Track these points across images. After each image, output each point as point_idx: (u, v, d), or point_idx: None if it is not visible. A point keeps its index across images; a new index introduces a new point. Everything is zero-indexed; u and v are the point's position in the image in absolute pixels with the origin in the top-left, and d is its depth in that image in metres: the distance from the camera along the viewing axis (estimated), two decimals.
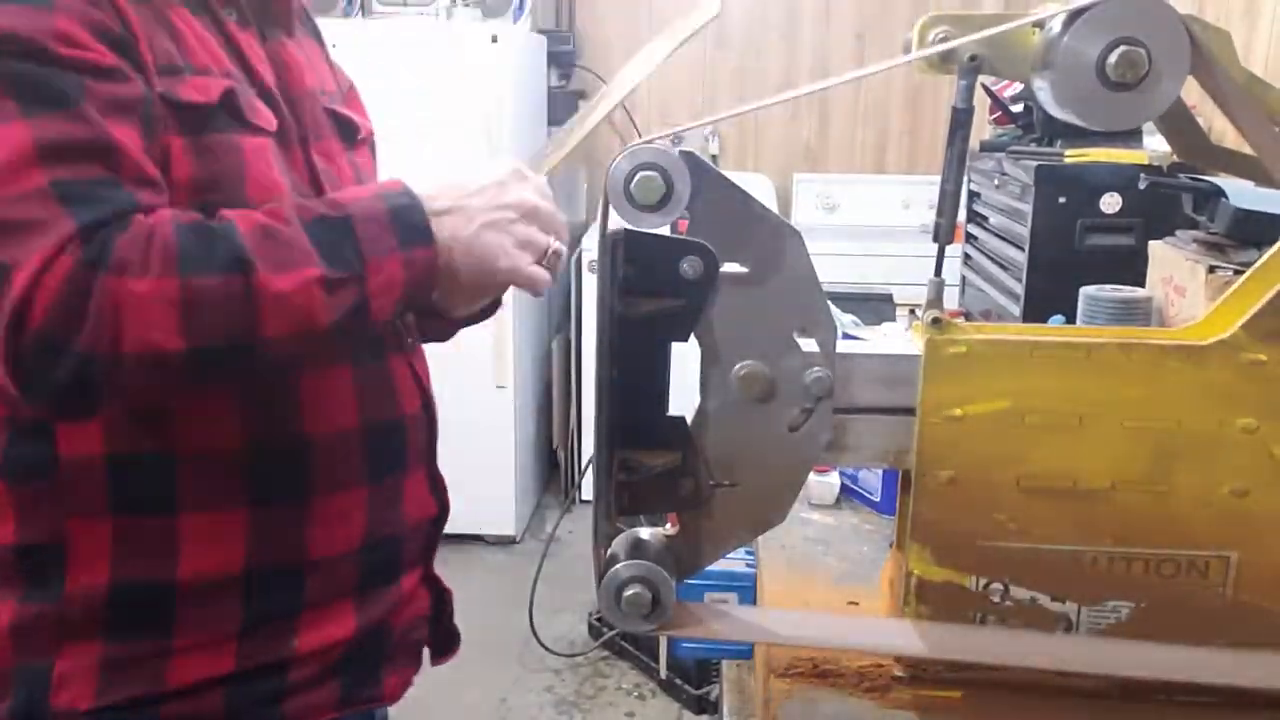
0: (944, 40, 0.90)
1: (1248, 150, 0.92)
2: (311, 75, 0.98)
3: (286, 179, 0.89)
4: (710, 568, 0.87)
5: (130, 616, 0.86)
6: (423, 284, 0.83)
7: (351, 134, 1.03)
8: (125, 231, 0.74)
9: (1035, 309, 1.77)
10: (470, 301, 0.91)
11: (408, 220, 0.82)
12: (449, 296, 0.87)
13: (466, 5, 3.29)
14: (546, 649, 2.80)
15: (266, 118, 0.89)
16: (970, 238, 2.30)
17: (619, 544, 0.86)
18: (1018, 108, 2.21)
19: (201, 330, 0.74)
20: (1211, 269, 1.21)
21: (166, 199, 0.79)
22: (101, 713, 0.85)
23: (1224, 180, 1.31)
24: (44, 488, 0.84)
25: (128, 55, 0.80)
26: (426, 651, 1.08)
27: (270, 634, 0.90)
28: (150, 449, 0.85)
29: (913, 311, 1.60)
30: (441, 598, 1.08)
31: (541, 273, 0.87)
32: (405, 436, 0.98)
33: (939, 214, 0.91)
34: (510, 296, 3.61)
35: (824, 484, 1.37)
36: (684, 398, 0.84)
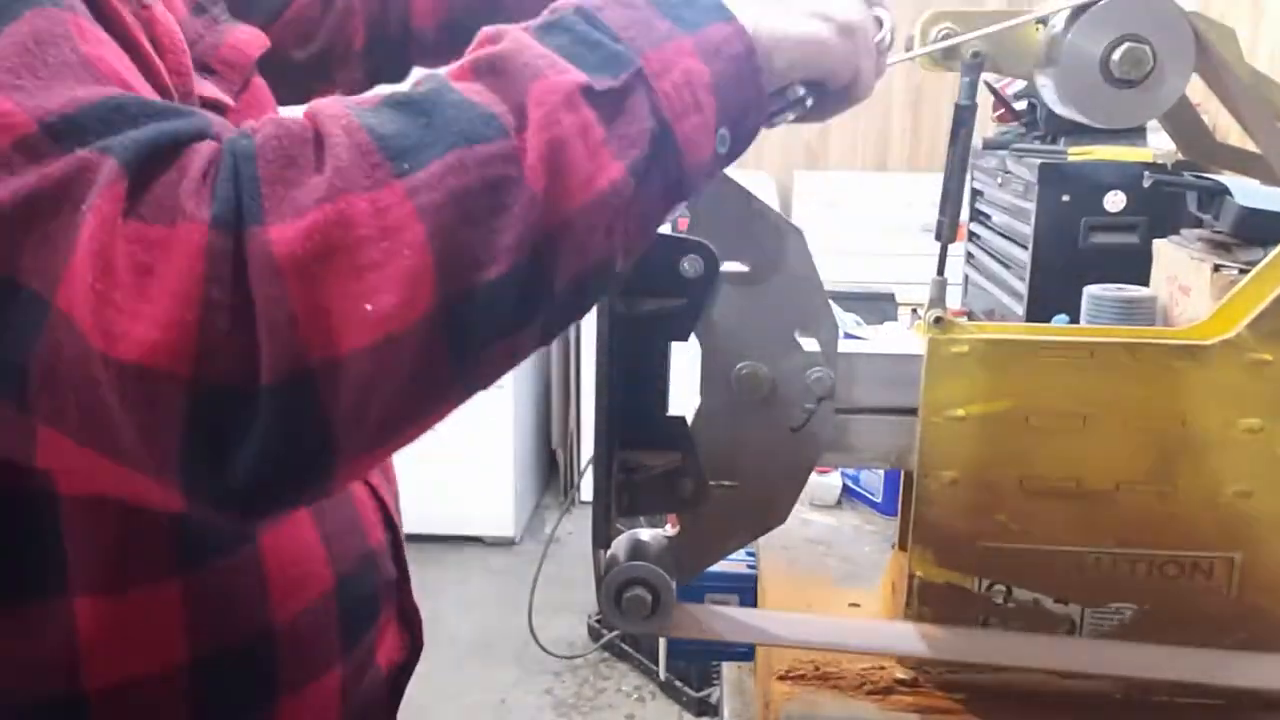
0: (947, 37, 0.90)
1: (1253, 148, 0.91)
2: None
3: None
4: (711, 569, 0.87)
5: None
6: (743, 78, 0.54)
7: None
8: (254, 143, 0.46)
9: (1039, 308, 1.76)
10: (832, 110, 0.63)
11: None
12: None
13: None
14: (546, 651, 2.80)
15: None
16: (973, 236, 2.29)
17: (619, 545, 0.85)
18: (1021, 105, 2.20)
19: (468, 255, 0.45)
20: (1216, 268, 1.20)
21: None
22: None
23: (1229, 178, 1.30)
24: None
25: None
26: None
27: None
28: (54, 688, 0.62)
29: (915, 311, 1.60)
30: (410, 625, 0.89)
31: (848, 51, 0.61)
32: (375, 582, 0.77)
33: (941, 212, 0.90)
34: None
35: (825, 485, 1.37)
36: (684, 398, 0.84)
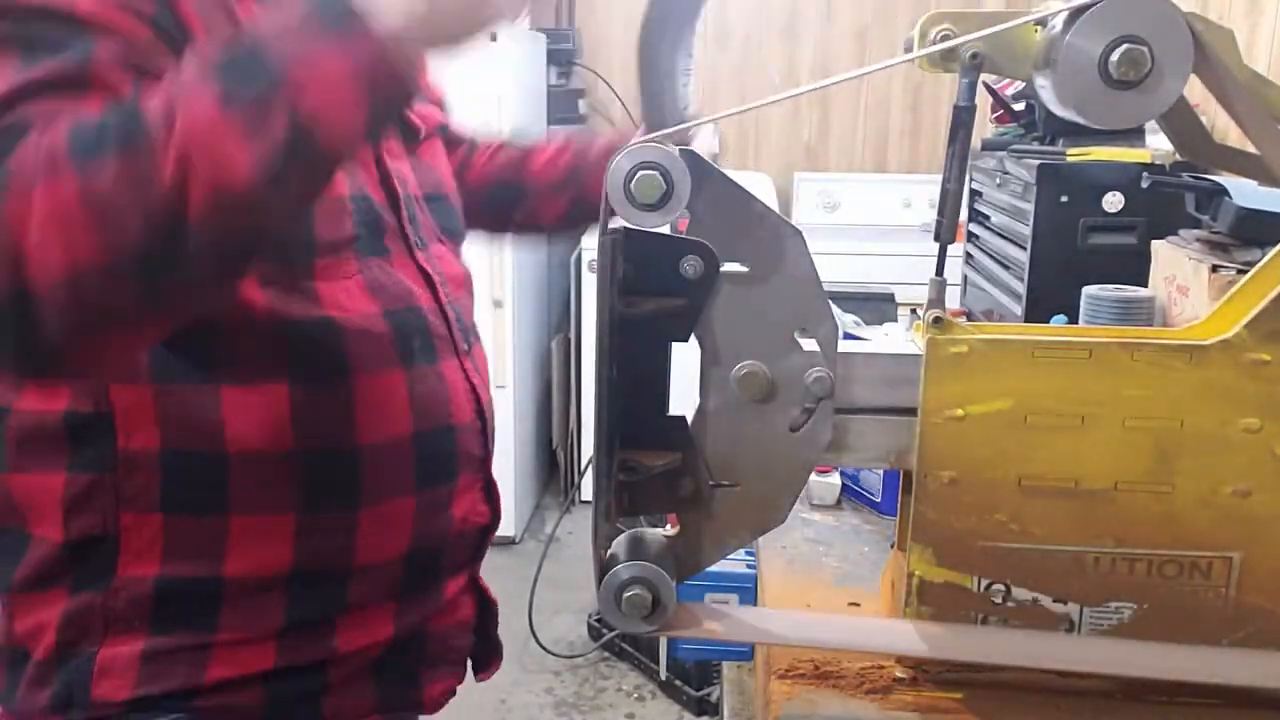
0: (945, 38, 0.90)
1: (1251, 149, 0.92)
2: None
3: (350, 179, 0.86)
4: (710, 568, 0.87)
5: (175, 611, 0.85)
6: (385, 73, 0.65)
7: (413, 134, 1.01)
8: (24, 142, 0.63)
9: (1037, 308, 1.76)
10: (442, 40, 0.69)
11: (331, 8, 0.65)
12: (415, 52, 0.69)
13: None
14: (546, 650, 2.80)
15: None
16: (972, 237, 2.30)
17: (619, 544, 0.85)
18: (1019, 106, 2.20)
19: (114, 227, 0.62)
20: (1214, 268, 1.20)
21: None
22: (139, 702, 0.84)
23: (1227, 179, 1.31)
24: (100, 482, 0.83)
25: (162, 35, 0.72)
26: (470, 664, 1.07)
27: (311, 634, 0.89)
28: (204, 448, 0.83)
29: (914, 311, 1.60)
30: (486, 607, 1.07)
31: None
32: (456, 445, 0.95)
33: (940, 213, 0.90)
34: (510, 296, 3.59)
35: (825, 484, 1.37)
36: (684, 398, 0.84)
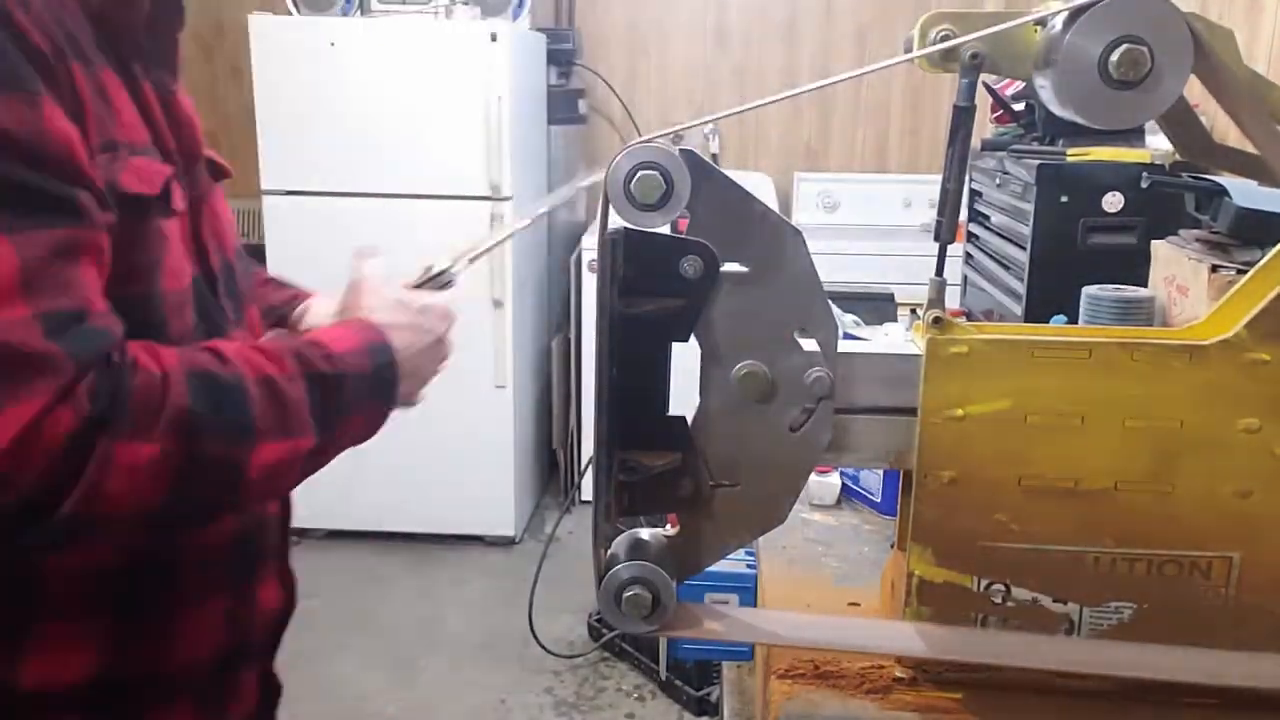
0: (945, 38, 0.90)
1: (1250, 149, 0.92)
2: (195, 123, 0.88)
3: (185, 252, 0.83)
4: (710, 568, 0.87)
5: None
6: (370, 435, 0.89)
7: (220, 175, 0.94)
8: (135, 382, 0.69)
9: (1037, 308, 1.76)
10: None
11: (384, 379, 0.88)
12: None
13: (466, 3, 3.29)
14: (546, 650, 2.80)
15: (179, 196, 0.81)
16: (972, 237, 2.30)
17: (619, 544, 0.85)
18: (1019, 106, 2.20)
19: (189, 495, 0.73)
20: (1214, 268, 1.20)
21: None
22: None
23: (1227, 179, 1.31)
24: None
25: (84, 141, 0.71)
26: None
27: None
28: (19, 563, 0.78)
29: (914, 311, 1.60)
30: (273, 692, 1.03)
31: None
32: (263, 538, 0.96)
33: (940, 213, 0.90)
34: (510, 296, 3.59)
35: (825, 484, 1.37)
36: (684, 398, 0.84)
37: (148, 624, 0.84)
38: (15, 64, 0.68)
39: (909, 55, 0.89)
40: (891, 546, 1.05)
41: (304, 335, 0.88)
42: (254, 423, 0.75)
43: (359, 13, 3.43)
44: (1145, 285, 1.39)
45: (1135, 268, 1.43)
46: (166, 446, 0.69)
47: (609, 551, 0.85)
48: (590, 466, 0.85)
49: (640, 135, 0.94)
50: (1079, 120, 0.83)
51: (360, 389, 0.85)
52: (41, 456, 0.64)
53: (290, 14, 3.39)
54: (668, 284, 0.80)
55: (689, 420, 0.83)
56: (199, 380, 0.73)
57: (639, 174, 0.76)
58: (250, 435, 0.75)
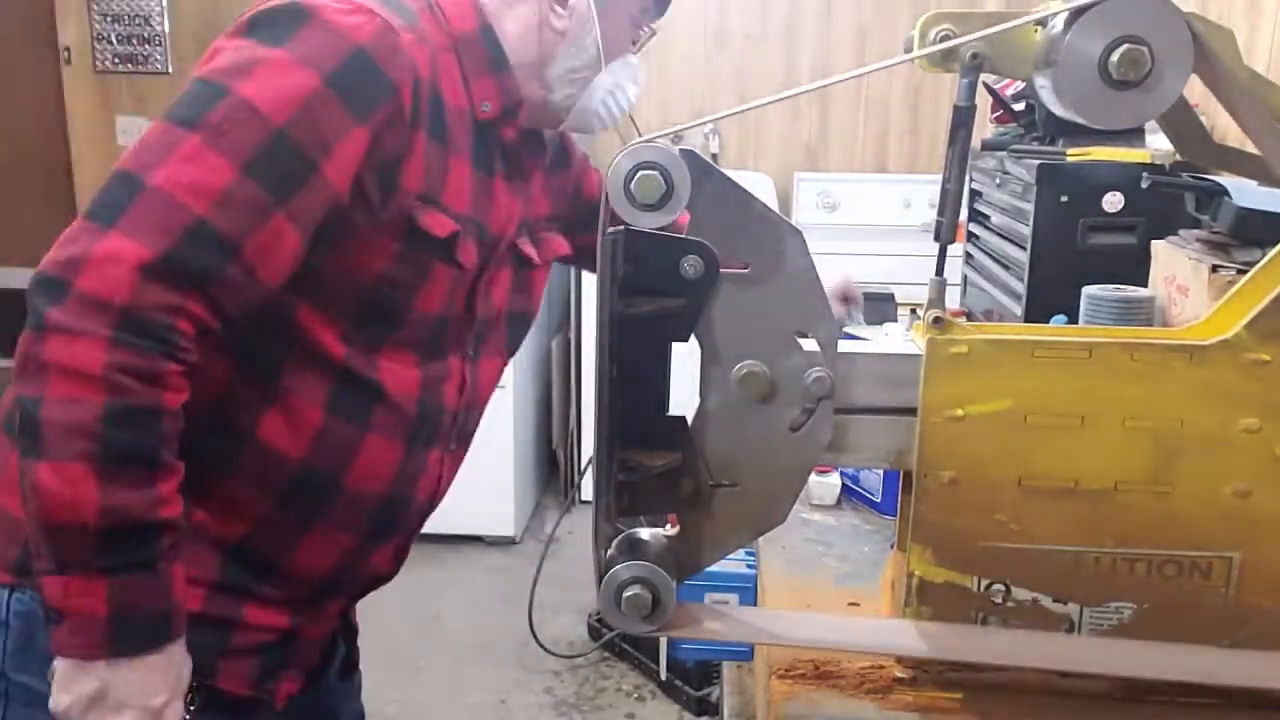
0: (945, 38, 0.90)
1: (1251, 149, 0.92)
2: (518, 218, 1.12)
3: (447, 297, 1.02)
4: (710, 568, 0.87)
5: None
6: (85, 634, 0.85)
7: (527, 265, 1.16)
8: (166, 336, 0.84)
9: (1037, 308, 1.76)
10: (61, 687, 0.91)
11: (152, 623, 0.87)
12: None
13: None
14: (546, 650, 2.80)
15: (471, 257, 1.02)
16: (972, 237, 2.30)
17: (619, 544, 0.86)
18: (1020, 106, 2.20)
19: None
20: (1214, 268, 1.20)
21: (197, 349, 0.87)
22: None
23: (1227, 179, 1.31)
24: None
25: (385, 179, 0.94)
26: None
27: (232, 598, 1.01)
28: (229, 430, 0.98)
29: (914, 311, 1.60)
30: (348, 631, 1.23)
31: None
32: (406, 514, 1.09)
33: (940, 213, 0.90)
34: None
35: (825, 484, 1.37)
36: (684, 398, 0.84)
37: (293, 522, 1.01)
38: (372, 96, 0.91)
39: (909, 55, 0.89)
40: (891, 546, 1.05)
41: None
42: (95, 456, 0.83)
43: None
44: (1145, 285, 1.39)
45: (1135, 268, 1.43)
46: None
47: (609, 551, 0.85)
48: (590, 466, 0.85)
49: (640, 135, 0.95)
50: (1079, 120, 0.83)
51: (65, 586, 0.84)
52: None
53: None
54: (668, 284, 0.80)
55: (689, 420, 0.83)
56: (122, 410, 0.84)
57: (639, 174, 0.77)
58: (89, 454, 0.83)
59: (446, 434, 1.10)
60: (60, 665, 0.86)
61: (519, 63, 1.06)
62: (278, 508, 1.00)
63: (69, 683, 0.85)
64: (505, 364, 1.20)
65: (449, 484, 1.15)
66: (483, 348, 1.12)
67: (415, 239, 0.97)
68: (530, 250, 1.16)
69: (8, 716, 0.96)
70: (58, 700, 0.86)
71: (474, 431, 1.18)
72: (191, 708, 0.96)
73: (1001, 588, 0.86)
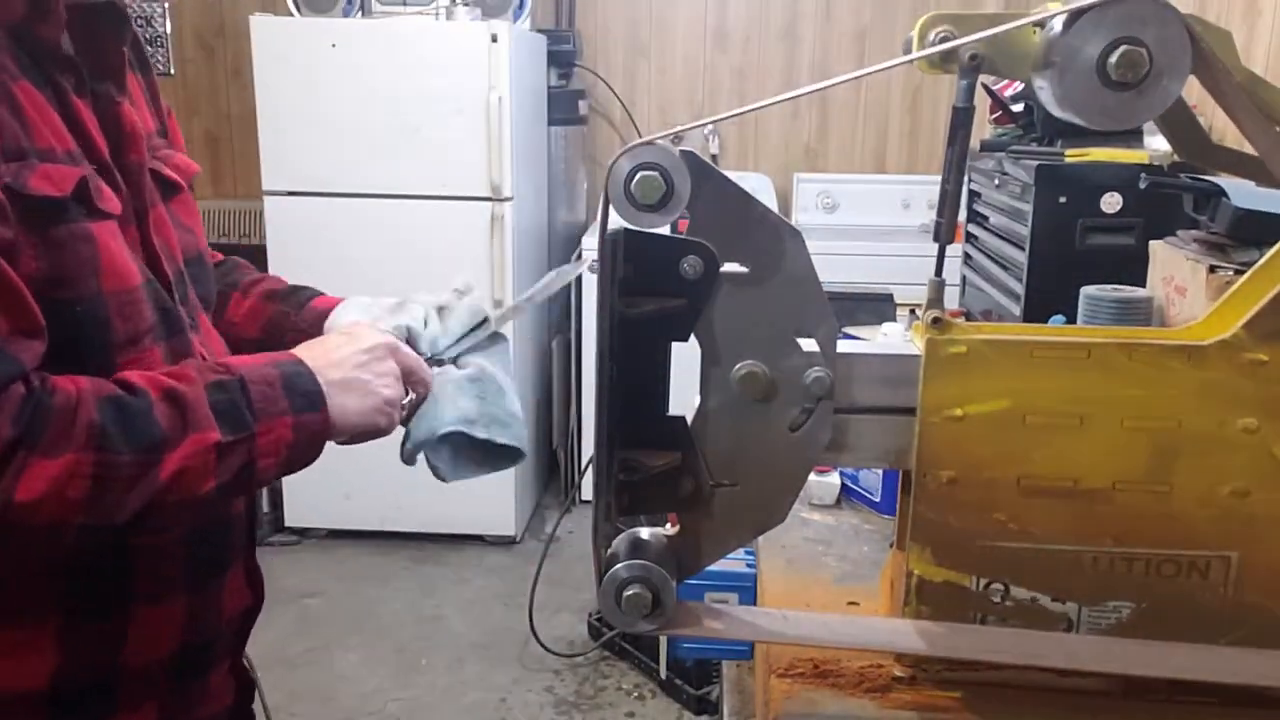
0: (944, 40, 0.90)
1: (1249, 150, 0.92)
2: (138, 134, 0.91)
3: (133, 259, 0.85)
4: (710, 568, 0.87)
5: None
6: (310, 447, 0.88)
7: (171, 190, 0.96)
8: (54, 401, 0.75)
9: (1036, 309, 1.77)
10: (369, 432, 0.94)
11: (300, 386, 0.87)
12: (348, 436, 0.93)
13: (466, 4, 3.29)
14: (546, 649, 2.80)
15: (112, 201, 0.84)
16: (970, 237, 2.30)
17: (619, 544, 0.86)
18: (1018, 107, 2.21)
19: (105, 502, 0.76)
20: (1212, 269, 1.21)
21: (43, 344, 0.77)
22: None
23: (1225, 180, 1.31)
24: None
25: None
26: None
27: None
28: None
29: (913, 311, 1.60)
30: (245, 690, 1.07)
31: (396, 424, 0.95)
32: (227, 537, 0.98)
33: (939, 214, 0.91)
34: (510, 297, 3.59)
35: (824, 484, 1.37)
36: (684, 398, 0.84)
37: (100, 625, 0.87)
38: None
39: (909, 57, 0.89)
40: (891, 546, 1.05)
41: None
42: (161, 431, 0.78)
43: (360, 14, 3.43)
44: (1144, 285, 1.40)
45: (1133, 268, 1.43)
46: (80, 456, 0.74)
47: (609, 551, 0.85)
48: (590, 466, 0.85)
49: (640, 136, 0.95)
50: (1077, 121, 0.83)
51: (269, 391, 0.85)
52: None
53: (291, 15, 3.40)
54: (668, 284, 0.80)
55: (689, 420, 0.84)
56: (108, 402, 0.77)
57: (639, 175, 0.77)
58: (158, 443, 0.78)
59: None
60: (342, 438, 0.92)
61: None
62: (73, 622, 0.85)
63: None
64: (212, 325, 1.02)
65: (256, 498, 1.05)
66: (195, 313, 0.96)
67: (38, 211, 0.77)
68: (169, 172, 0.96)
69: None
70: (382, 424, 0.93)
71: None
72: None
73: (1000, 587, 0.87)
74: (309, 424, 0.87)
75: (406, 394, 0.97)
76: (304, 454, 0.88)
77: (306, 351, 0.91)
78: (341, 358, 0.91)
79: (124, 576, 0.88)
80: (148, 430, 0.78)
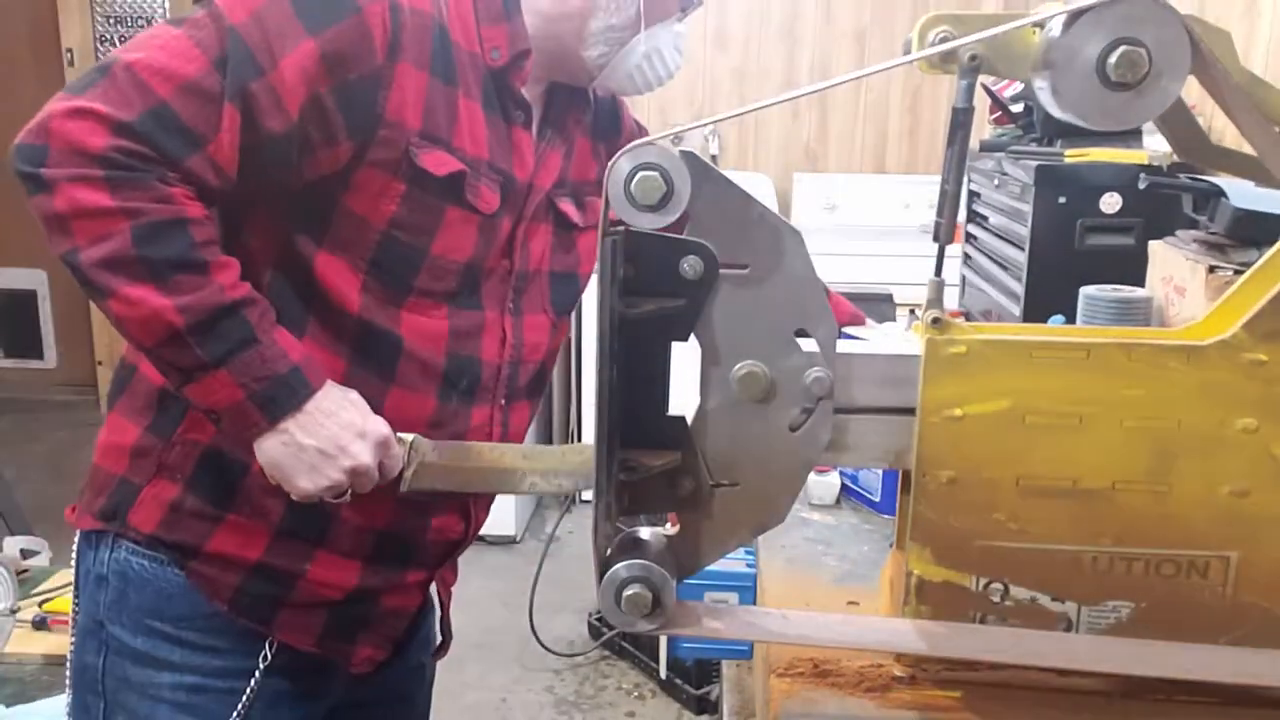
0: (944, 40, 0.90)
1: (1248, 150, 0.92)
2: (556, 174, 1.13)
3: (476, 244, 1.04)
4: (710, 567, 0.87)
5: (209, 479, 1.04)
6: (234, 431, 0.97)
7: (567, 225, 1.16)
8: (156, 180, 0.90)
9: (1035, 309, 1.77)
10: (270, 472, 0.99)
11: (281, 396, 0.95)
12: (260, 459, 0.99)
13: None
14: (546, 649, 2.80)
15: (489, 202, 1.04)
16: (970, 237, 2.30)
17: (619, 544, 0.86)
18: (1018, 107, 2.21)
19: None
20: (1211, 269, 1.21)
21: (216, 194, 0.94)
22: (154, 540, 1.04)
23: (1224, 180, 1.31)
24: None
25: (347, 96, 0.95)
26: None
27: (294, 548, 1.06)
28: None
29: (913, 311, 1.60)
30: (430, 606, 1.23)
31: (315, 495, 0.98)
32: (479, 375, 1.09)
33: (939, 214, 0.91)
34: None
35: (824, 484, 1.37)
36: (684, 398, 0.84)
37: (368, 383, 1.02)
38: (329, 12, 0.94)
39: (908, 57, 0.89)
40: (891, 546, 1.05)
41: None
42: (169, 267, 0.91)
43: None
44: (1143, 286, 1.40)
45: (1133, 268, 1.44)
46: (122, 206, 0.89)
47: (609, 551, 0.85)
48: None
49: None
50: (1077, 122, 0.84)
51: (259, 366, 0.93)
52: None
53: None
54: (668, 284, 0.80)
55: (689, 420, 0.84)
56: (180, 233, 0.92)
57: (639, 175, 0.77)
58: (157, 272, 0.90)
59: (491, 388, 1.10)
60: (259, 456, 0.97)
61: (560, 14, 1.07)
62: (354, 364, 1.02)
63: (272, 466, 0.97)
64: (556, 324, 1.19)
65: (518, 437, 1.16)
66: (523, 301, 1.12)
67: (419, 179, 0.99)
68: (570, 210, 1.16)
69: (105, 665, 1.07)
70: (295, 488, 0.97)
71: (532, 387, 1.17)
72: (264, 661, 1.06)
73: (1000, 587, 0.87)
74: (246, 416, 0.95)
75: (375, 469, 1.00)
76: (224, 426, 0.97)
77: (326, 390, 0.98)
78: (334, 432, 0.97)
79: (395, 356, 1.04)
80: (175, 254, 0.90)
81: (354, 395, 1.00)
